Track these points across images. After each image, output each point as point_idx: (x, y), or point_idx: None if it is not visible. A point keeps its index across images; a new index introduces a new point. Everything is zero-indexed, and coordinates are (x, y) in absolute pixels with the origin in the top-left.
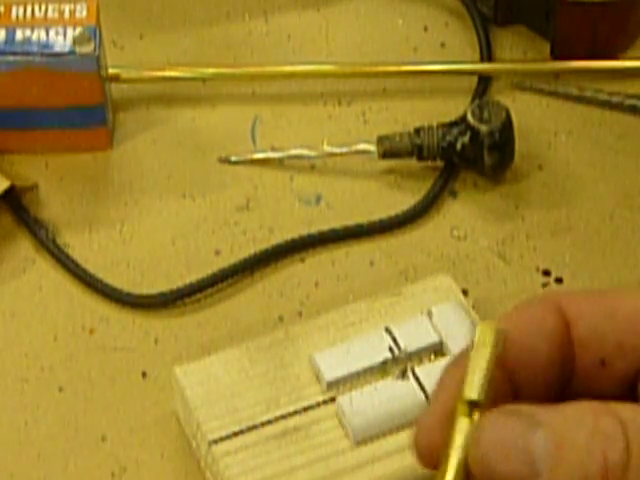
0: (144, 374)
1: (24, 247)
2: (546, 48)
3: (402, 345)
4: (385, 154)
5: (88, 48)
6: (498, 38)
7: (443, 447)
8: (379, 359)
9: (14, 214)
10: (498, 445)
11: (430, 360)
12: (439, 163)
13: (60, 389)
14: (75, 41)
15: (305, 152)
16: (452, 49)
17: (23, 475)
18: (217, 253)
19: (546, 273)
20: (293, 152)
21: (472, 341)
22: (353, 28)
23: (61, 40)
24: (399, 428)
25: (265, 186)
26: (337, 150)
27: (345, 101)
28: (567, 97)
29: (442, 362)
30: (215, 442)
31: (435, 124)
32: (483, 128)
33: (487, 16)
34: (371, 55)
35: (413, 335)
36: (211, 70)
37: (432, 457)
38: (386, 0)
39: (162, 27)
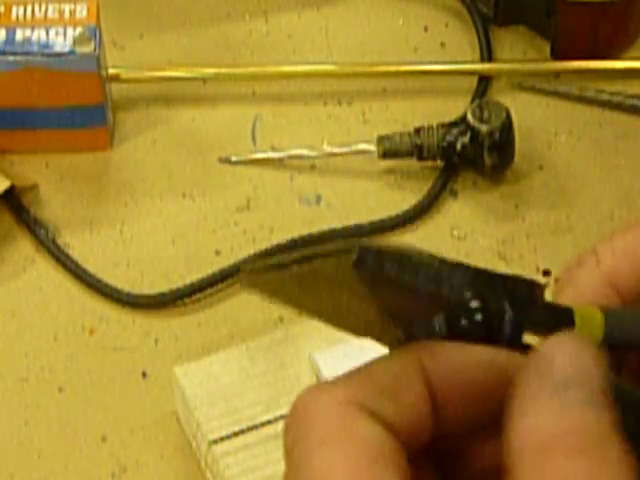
0: (144, 374)
1: (24, 247)
2: (546, 48)
3: None
4: (385, 154)
5: (88, 48)
6: (498, 38)
7: None
8: None
9: (14, 214)
10: None
11: None
12: (439, 163)
13: (60, 389)
14: (75, 41)
15: (305, 152)
16: (452, 49)
17: (23, 475)
18: (217, 253)
19: (546, 273)
20: (293, 152)
21: None
22: (353, 28)
23: (61, 40)
24: None
25: (265, 186)
26: (337, 150)
27: (345, 101)
28: (567, 97)
29: None
30: (215, 442)
31: (435, 124)
32: (483, 128)
33: (487, 16)
34: (371, 55)
35: None
36: (211, 70)
37: None
38: (386, 0)
39: (162, 27)
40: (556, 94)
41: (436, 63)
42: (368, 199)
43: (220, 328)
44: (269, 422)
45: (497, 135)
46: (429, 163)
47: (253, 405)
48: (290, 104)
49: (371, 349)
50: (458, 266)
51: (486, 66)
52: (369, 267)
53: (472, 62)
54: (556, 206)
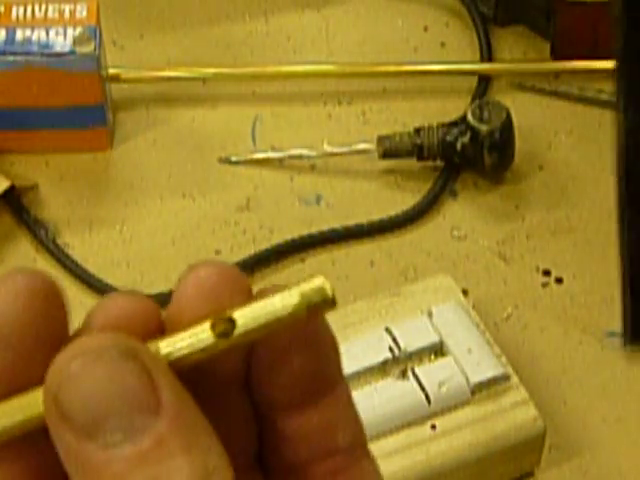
0: None
1: (24, 247)
2: (546, 48)
3: (402, 345)
4: (385, 154)
5: (88, 48)
6: (498, 38)
7: None
8: (379, 359)
9: (14, 214)
10: None
11: (430, 360)
12: (439, 163)
13: None
14: (75, 41)
15: (305, 152)
16: (452, 49)
17: None
18: (217, 253)
19: (546, 273)
20: (293, 152)
21: None
22: (353, 28)
23: (61, 40)
24: (399, 428)
25: (265, 186)
26: (337, 150)
27: (345, 101)
28: (567, 97)
29: (442, 362)
30: None
31: (435, 124)
32: (483, 128)
33: (487, 16)
34: (371, 55)
35: (413, 335)
36: (211, 70)
37: None
38: (386, 0)
39: (162, 27)
40: (556, 94)
41: (436, 63)
42: (368, 199)
43: None
44: None
45: (497, 135)
46: (429, 163)
47: None
48: (290, 104)
49: (371, 349)
50: None
51: (486, 66)
52: None
53: (472, 62)
54: (556, 206)
